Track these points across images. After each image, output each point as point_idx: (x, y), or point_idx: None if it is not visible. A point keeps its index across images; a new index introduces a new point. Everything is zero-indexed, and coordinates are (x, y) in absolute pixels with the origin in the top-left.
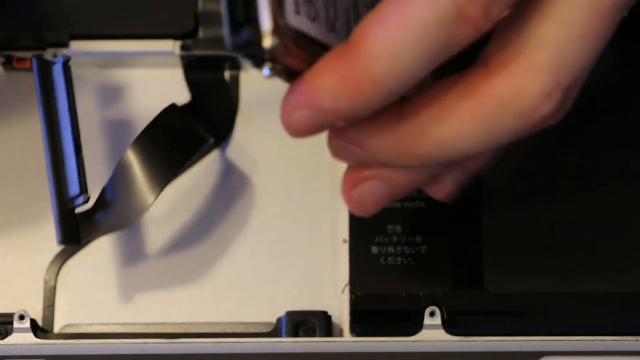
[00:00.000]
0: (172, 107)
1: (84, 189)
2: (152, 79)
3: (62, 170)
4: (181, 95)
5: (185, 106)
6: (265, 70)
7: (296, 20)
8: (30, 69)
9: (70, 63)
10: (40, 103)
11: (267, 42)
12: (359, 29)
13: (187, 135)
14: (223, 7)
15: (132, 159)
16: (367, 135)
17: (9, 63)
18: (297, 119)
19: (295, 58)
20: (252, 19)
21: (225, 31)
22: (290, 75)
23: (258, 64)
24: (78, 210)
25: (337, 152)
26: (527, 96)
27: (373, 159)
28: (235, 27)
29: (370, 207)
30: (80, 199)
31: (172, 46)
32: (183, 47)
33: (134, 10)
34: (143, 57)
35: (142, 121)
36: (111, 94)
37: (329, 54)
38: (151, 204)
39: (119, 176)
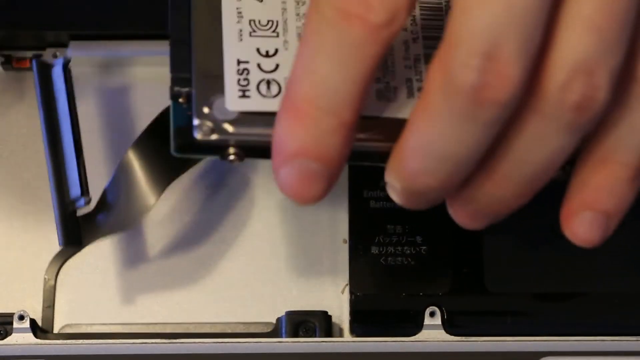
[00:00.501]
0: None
1: (85, 190)
2: (152, 79)
3: (63, 172)
4: None
5: None
6: (232, 156)
7: (238, 104)
8: (30, 69)
9: (71, 63)
10: (41, 105)
11: (195, 126)
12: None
13: None
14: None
15: (133, 160)
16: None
17: (8, 63)
18: (285, 176)
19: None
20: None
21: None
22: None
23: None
24: (79, 212)
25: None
26: (448, 73)
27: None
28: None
29: None
30: (82, 201)
31: None
32: None
33: (134, 10)
34: (143, 57)
35: (142, 121)
36: (111, 94)
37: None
38: (153, 205)
39: (120, 177)
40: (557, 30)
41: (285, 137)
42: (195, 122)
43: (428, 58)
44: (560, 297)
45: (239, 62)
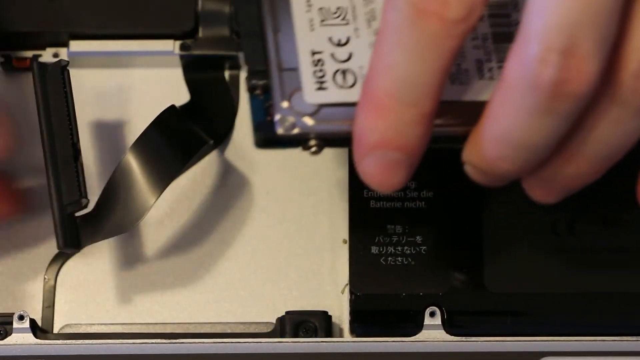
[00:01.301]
0: (171, 109)
1: (83, 193)
2: (152, 79)
3: (61, 175)
4: (181, 95)
5: (185, 106)
6: (313, 147)
7: (316, 97)
8: (30, 69)
9: (70, 62)
10: (39, 107)
11: (277, 121)
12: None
13: (186, 137)
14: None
15: (131, 162)
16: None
17: (8, 63)
18: (367, 166)
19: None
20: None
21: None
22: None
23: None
24: (78, 214)
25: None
26: (524, 68)
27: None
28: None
29: None
30: (80, 204)
31: (172, 46)
32: (183, 47)
33: (134, 10)
34: (143, 57)
35: (142, 121)
36: (111, 94)
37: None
38: (150, 207)
39: (119, 179)
40: (629, 22)
41: (367, 129)
42: (277, 117)
43: (496, 37)
44: (560, 297)
45: (313, 53)
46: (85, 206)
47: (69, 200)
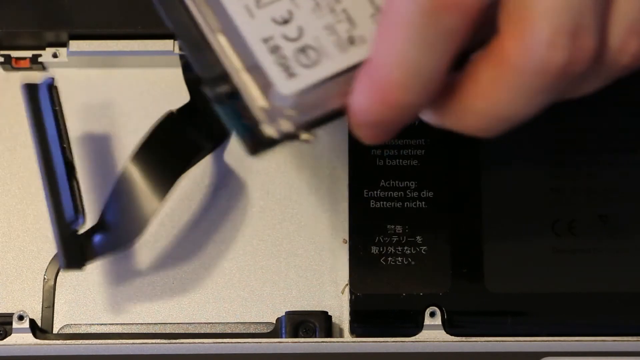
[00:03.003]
0: (169, 116)
1: (78, 211)
2: (152, 79)
3: (58, 195)
4: (181, 95)
5: (185, 107)
6: (305, 136)
7: (290, 86)
8: (30, 69)
9: (70, 62)
10: (32, 128)
11: (267, 128)
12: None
13: (185, 144)
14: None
15: (131, 174)
16: (431, 115)
17: (8, 63)
18: (361, 133)
19: (314, 108)
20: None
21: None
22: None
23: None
24: (81, 231)
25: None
26: (533, 53)
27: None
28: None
29: None
30: (77, 222)
31: (172, 46)
32: None
33: (134, 10)
34: (143, 57)
35: (142, 121)
36: (111, 95)
37: (358, 80)
38: (151, 220)
39: (119, 194)
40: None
41: (368, 112)
42: (262, 120)
43: None
44: (560, 297)
45: (265, 41)
46: (83, 223)
47: (69, 219)
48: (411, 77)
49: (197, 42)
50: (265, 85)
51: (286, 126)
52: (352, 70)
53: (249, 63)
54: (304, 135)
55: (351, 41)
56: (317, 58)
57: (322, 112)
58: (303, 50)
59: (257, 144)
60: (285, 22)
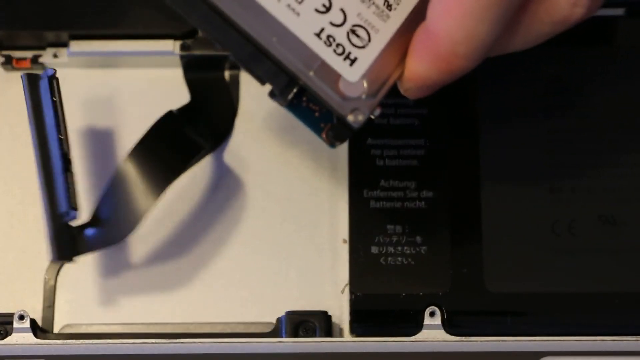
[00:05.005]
0: (168, 115)
1: (72, 205)
2: (152, 79)
3: (53, 186)
4: (181, 95)
5: (185, 107)
6: (377, 112)
7: (355, 72)
8: (30, 69)
9: (70, 63)
10: (30, 119)
11: (351, 119)
12: (431, 19)
13: (183, 144)
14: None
15: (128, 171)
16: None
17: (8, 63)
18: (410, 91)
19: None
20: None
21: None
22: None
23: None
24: (74, 224)
25: None
26: (558, 10)
27: None
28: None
29: None
30: (70, 215)
31: (172, 46)
32: (183, 47)
33: (134, 10)
34: (143, 57)
35: (141, 121)
36: (111, 95)
37: (416, 49)
38: (146, 217)
39: (115, 188)
40: None
41: (425, 78)
42: (347, 113)
43: None
44: (560, 297)
45: (318, 35)
46: (75, 218)
47: (62, 211)
48: (475, 50)
49: (254, 56)
50: (333, 76)
51: (363, 110)
52: (398, 34)
53: (310, 60)
54: (376, 110)
55: (388, 5)
56: (367, 35)
57: (389, 86)
58: (353, 31)
59: (338, 135)
60: (328, 9)
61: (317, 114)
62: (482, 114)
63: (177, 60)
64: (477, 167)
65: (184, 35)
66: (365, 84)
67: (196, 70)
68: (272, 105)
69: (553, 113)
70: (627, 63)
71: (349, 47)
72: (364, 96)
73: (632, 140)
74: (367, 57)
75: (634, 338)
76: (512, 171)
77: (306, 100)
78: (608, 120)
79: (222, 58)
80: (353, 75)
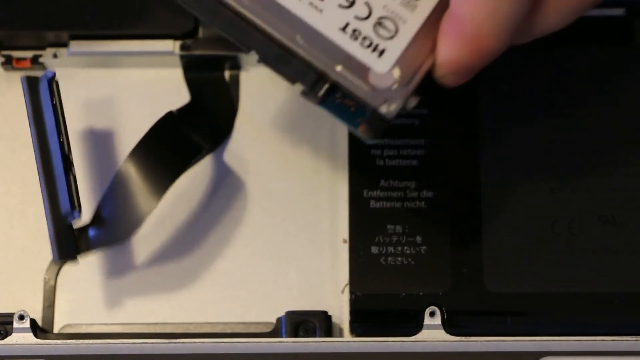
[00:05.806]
0: (168, 115)
1: (74, 205)
2: (152, 79)
3: (54, 189)
4: (181, 95)
5: (185, 107)
6: (413, 102)
7: (384, 63)
8: (30, 69)
9: (69, 63)
10: (30, 122)
11: (384, 109)
12: (454, 2)
13: (183, 145)
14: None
15: (128, 172)
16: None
17: (8, 63)
18: (450, 80)
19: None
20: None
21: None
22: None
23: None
24: (76, 225)
25: None
26: None
27: None
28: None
29: None
30: (72, 216)
31: (172, 46)
32: (183, 47)
33: (134, 10)
34: (143, 57)
35: (142, 121)
36: (111, 95)
37: (443, 35)
38: (147, 217)
39: (116, 189)
40: None
41: (460, 64)
42: (381, 106)
43: None
44: (560, 297)
45: (343, 30)
46: (77, 218)
47: (64, 212)
48: (501, 28)
49: (281, 56)
50: (362, 69)
51: (396, 100)
52: (428, 22)
53: (337, 55)
54: (411, 101)
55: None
56: (394, 26)
57: (422, 74)
58: (379, 23)
59: (375, 128)
60: (352, 4)
61: (352, 109)
62: (482, 114)
63: (177, 60)
64: (477, 167)
65: (184, 35)
66: (395, 74)
67: (196, 71)
68: (272, 105)
69: (553, 113)
70: (627, 63)
71: (376, 40)
72: (395, 86)
73: (633, 141)
74: (395, 48)
75: (634, 338)
76: (512, 171)
77: (340, 97)
78: (608, 121)
79: (222, 58)
80: (382, 66)
